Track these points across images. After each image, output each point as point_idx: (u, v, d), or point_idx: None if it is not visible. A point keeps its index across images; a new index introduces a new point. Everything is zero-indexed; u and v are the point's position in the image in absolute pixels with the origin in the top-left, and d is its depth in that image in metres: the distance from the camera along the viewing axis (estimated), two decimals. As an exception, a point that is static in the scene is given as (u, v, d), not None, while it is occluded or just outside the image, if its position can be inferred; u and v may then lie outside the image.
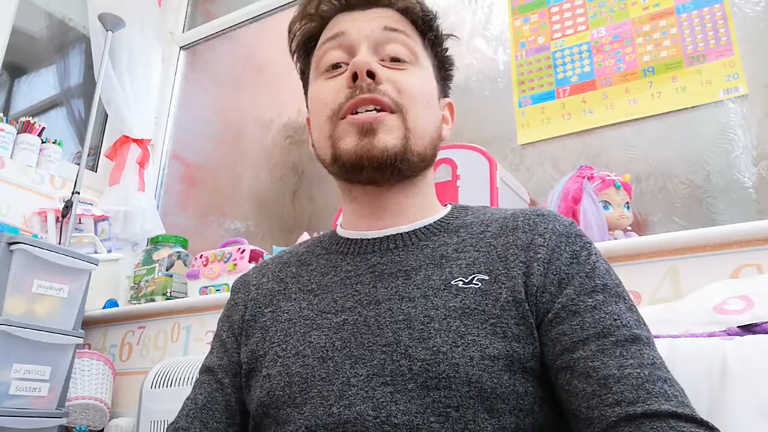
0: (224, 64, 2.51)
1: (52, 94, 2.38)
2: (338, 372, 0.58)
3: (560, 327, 0.57)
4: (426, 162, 0.70)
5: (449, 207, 0.74)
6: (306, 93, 0.78)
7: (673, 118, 1.46)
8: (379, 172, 0.65)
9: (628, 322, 0.56)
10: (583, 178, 1.33)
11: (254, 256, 1.74)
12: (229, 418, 0.67)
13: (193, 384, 0.72)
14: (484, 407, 0.53)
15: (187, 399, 0.70)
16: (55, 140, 2.14)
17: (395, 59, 0.69)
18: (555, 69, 1.64)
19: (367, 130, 0.64)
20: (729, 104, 1.40)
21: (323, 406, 0.57)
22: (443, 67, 0.77)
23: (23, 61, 2.34)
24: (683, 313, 0.90)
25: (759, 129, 1.35)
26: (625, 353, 0.54)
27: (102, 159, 2.37)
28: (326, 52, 0.71)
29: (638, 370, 0.52)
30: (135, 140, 2.28)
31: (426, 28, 0.73)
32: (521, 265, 0.61)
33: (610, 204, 1.33)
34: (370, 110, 0.65)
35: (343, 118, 0.66)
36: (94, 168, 2.37)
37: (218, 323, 0.76)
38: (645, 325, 0.59)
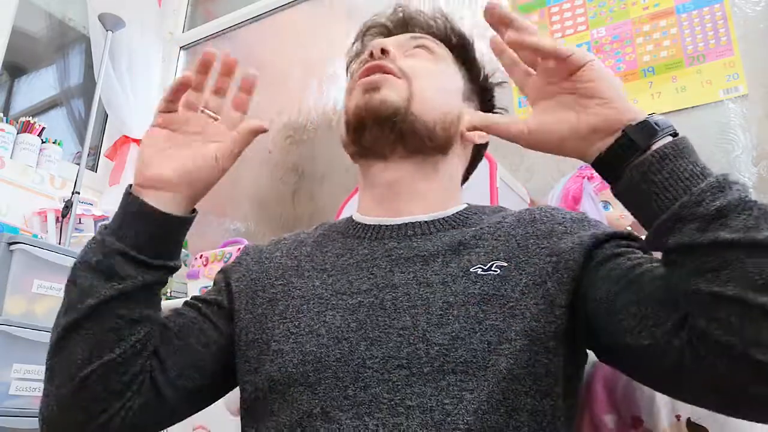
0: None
1: (52, 94, 2.39)
2: (353, 353, 0.58)
3: (609, 264, 0.57)
4: (434, 139, 0.71)
5: (465, 204, 0.74)
6: None
7: (673, 118, 1.43)
8: (379, 127, 0.68)
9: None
10: (583, 178, 1.33)
11: (254, 256, 1.74)
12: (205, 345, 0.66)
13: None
14: (500, 389, 0.54)
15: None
16: (55, 140, 2.14)
17: (417, 47, 0.76)
18: (555, 69, 1.64)
19: (371, 88, 0.69)
20: (729, 104, 1.40)
21: (338, 387, 0.56)
22: (482, 93, 0.83)
23: (23, 61, 2.34)
24: (683, 313, 0.90)
25: (759, 129, 1.35)
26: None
27: (102, 159, 2.37)
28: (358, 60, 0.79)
29: None
30: (135, 140, 2.28)
31: (460, 53, 0.81)
32: (543, 250, 0.61)
33: (610, 204, 1.33)
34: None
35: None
36: (94, 168, 2.37)
37: (217, 274, 0.75)
38: None
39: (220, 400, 0.72)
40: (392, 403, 0.54)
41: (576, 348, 0.60)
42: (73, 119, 2.40)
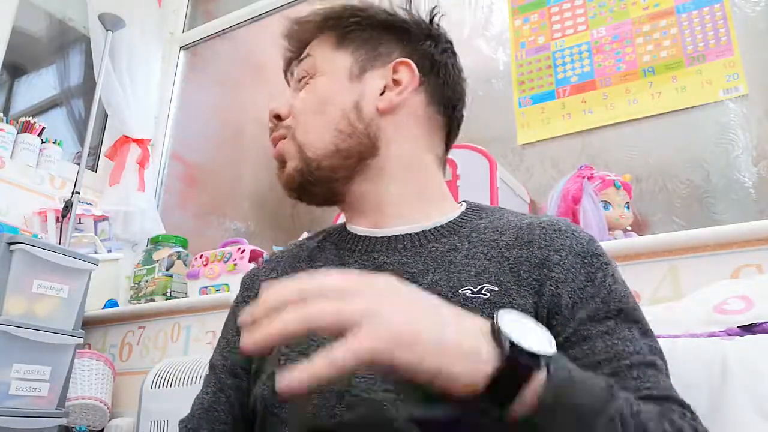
0: (224, 64, 2.51)
1: (52, 94, 2.38)
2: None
3: (570, 352, 0.56)
4: (349, 154, 0.68)
5: (464, 206, 0.72)
6: None
7: (673, 118, 1.46)
8: (303, 194, 0.72)
9: (641, 349, 0.56)
10: (583, 178, 1.33)
11: (254, 256, 1.74)
12: (233, 417, 0.68)
13: (202, 380, 0.74)
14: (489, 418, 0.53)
15: (197, 397, 0.71)
16: (55, 140, 2.14)
17: (300, 80, 0.74)
18: (555, 69, 1.64)
19: (280, 163, 0.73)
20: (729, 104, 1.40)
21: (325, 407, 0.57)
22: (375, 37, 0.72)
23: (23, 61, 2.34)
24: (683, 313, 0.90)
25: (759, 129, 1.35)
26: (642, 375, 0.53)
27: (102, 159, 2.37)
28: None
29: (656, 392, 0.52)
30: (135, 140, 2.28)
31: (340, 30, 0.73)
32: (534, 283, 0.59)
33: (610, 204, 1.33)
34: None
35: None
36: (94, 168, 2.37)
37: (227, 320, 0.76)
38: (661, 352, 0.58)
39: None
40: (379, 422, 0.54)
41: None
42: (73, 119, 2.40)
